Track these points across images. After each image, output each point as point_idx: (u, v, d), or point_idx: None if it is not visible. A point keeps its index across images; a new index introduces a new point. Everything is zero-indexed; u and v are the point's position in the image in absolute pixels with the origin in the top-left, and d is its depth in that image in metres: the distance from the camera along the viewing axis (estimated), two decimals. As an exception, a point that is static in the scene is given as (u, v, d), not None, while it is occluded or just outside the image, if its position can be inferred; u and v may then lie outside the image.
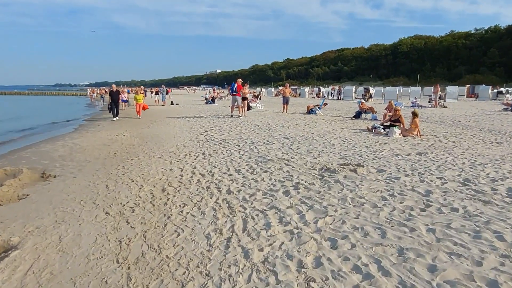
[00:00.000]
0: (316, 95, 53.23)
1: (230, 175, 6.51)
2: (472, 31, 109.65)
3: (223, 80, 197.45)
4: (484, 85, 51.36)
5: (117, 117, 19.18)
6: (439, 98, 31.29)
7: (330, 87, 52.74)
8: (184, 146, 9.96)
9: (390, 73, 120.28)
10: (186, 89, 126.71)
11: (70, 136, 12.80)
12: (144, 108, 20.79)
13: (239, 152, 8.74)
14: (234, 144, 9.94)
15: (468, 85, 56.50)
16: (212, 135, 11.79)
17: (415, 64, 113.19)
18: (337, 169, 6.50)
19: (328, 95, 51.27)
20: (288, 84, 23.87)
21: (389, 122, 13.06)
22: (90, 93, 60.12)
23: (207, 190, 5.60)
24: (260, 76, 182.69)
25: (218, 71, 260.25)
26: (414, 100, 30.78)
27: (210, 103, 32.05)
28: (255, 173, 6.59)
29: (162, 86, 35.68)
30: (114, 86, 19.94)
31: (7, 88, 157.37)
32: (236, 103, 18.94)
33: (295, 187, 5.60)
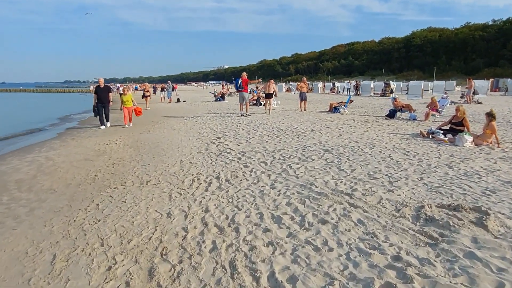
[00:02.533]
0: (331, 90, 50.31)
1: (267, 230, 3.87)
2: (490, 23, 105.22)
3: (231, 75, 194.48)
4: (510, 79, 47.99)
5: (108, 124, 14.11)
6: (473, 93, 28.32)
7: (347, 82, 49.66)
8: (191, 162, 7.34)
9: (403, 67, 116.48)
10: (198, 85, 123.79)
11: (49, 145, 10.26)
12: (137, 113, 14.61)
13: (269, 175, 6.08)
14: (258, 160, 7.29)
15: (492, 79, 53.20)
16: (227, 145, 9.16)
17: (430, 57, 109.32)
18: (447, 220, 3.81)
19: (343, 91, 48.38)
20: (305, 79, 21.11)
21: (449, 125, 10.38)
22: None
23: (232, 278, 2.96)
24: (268, 71, 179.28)
25: (226, 66, 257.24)
26: (445, 95, 27.78)
27: (219, 100, 29.45)
28: (307, 225, 3.94)
29: (168, 82, 33.08)
30: (101, 80, 13.95)
31: (16, 85, 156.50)
32: (244, 101, 16.40)
33: (399, 271, 2.93)
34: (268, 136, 10.39)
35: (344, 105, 18.77)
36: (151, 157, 8.10)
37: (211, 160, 7.50)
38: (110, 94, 14.13)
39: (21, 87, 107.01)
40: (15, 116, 23.64)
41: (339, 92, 49.05)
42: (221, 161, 7.35)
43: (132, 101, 14.27)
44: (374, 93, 40.81)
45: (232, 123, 13.94)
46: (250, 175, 6.18)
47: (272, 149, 8.31)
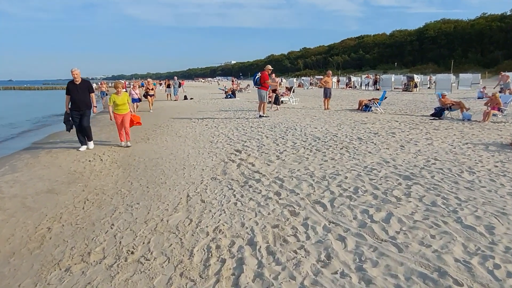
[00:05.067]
0: (346, 85, 47.38)
1: None
2: (508, 13, 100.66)
3: (238, 71, 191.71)
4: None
5: (90, 145, 8.76)
6: (513, 87, 25.30)
7: (364, 76, 46.68)
8: (203, 201, 4.71)
9: (417, 60, 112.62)
10: (205, 81, 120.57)
11: (11, 163, 7.68)
12: (132, 122, 9.29)
13: (342, 239, 3.43)
14: (308, 197, 4.63)
15: (518, 71, 49.77)
16: (253, 164, 6.51)
17: (444, 49, 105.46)
18: None
19: (360, 85, 45.52)
20: (330, 72, 18.31)
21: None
22: (99, 87, 54.93)
23: None
24: (277, 66, 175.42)
25: (233, 62, 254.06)
26: (482, 90, 24.81)
27: (230, 97, 26.81)
28: None
29: (175, 77, 30.30)
30: (76, 72, 8.17)
31: (23, 83, 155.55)
32: (262, 100, 13.69)
33: None
34: (304, 148, 7.73)
35: (378, 103, 16.06)
36: (144, 187, 5.49)
37: (234, 196, 4.85)
38: (92, 94, 8.62)
39: (25, 85, 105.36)
40: (4, 116, 21.25)
41: (355, 87, 46.17)
42: (250, 198, 4.70)
43: (127, 104, 8.97)
44: (394, 88, 37.78)
45: (251, 127, 11.29)
46: (307, 236, 3.53)
47: (321, 174, 5.63)
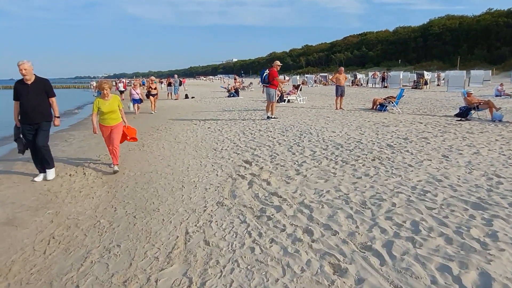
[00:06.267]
0: (352, 82, 46.02)
1: None
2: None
3: (240, 69, 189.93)
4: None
5: (50, 174, 5.93)
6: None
7: (371, 74, 45.30)
8: (208, 244, 3.44)
9: (421, 57, 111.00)
10: (207, 79, 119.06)
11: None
12: (125, 137, 6.77)
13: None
14: (351, 239, 3.35)
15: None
16: (268, 182, 5.23)
17: (449, 46, 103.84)
18: None
19: (366, 83, 44.22)
20: (343, 69, 16.94)
21: None
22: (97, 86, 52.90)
23: None
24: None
25: (235, 60, 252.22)
26: (500, 87, 23.43)
27: (233, 96, 25.55)
28: None
29: (175, 75, 28.96)
30: (24, 65, 5.37)
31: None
32: (270, 99, 12.38)
33: None
34: (327, 159, 6.44)
35: (395, 102, 14.80)
36: (130, 217, 4.22)
37: (249, 234, 3.58)
38: (53, 99, 5.82)
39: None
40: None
41: (361, 84, 44.86)
42: (272, 240, 3.42)
43: (118, 111, 6.41)
44: (403, 85, 36.42)
45: (259, 130, 10.02)
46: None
47: (360, 199, 4.35)
